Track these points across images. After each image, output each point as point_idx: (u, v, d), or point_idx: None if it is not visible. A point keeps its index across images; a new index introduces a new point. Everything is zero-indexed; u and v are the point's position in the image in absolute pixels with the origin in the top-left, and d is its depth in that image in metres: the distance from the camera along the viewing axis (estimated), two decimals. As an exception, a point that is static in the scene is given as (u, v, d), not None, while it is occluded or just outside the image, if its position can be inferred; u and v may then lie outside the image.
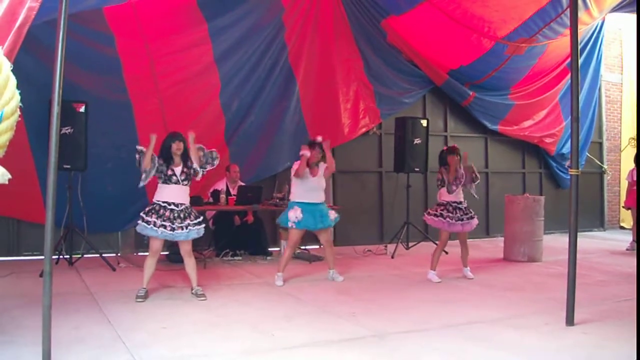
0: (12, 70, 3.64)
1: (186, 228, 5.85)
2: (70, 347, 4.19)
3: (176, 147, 5.95)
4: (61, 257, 7.67)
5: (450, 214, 7.16)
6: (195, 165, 6.02)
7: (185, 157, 6.02)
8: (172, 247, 7.71)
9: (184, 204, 5.97)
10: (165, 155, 5.96)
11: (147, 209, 5.91)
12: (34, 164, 7.79)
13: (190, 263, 6.10)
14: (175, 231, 5.81)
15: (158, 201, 5.91)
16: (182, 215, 5.88)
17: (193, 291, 6.08)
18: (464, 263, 7.50)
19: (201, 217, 6.11)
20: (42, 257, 3.82)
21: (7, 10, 4.19)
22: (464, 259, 7.50)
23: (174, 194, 5.92)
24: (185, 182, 5.99)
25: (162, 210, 5.84)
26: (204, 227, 6.09)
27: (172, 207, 5.88)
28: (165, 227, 5.78)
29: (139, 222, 5.87)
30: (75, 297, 5.91)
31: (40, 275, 5.88)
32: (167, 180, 5.92)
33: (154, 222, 5.78)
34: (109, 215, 8.48)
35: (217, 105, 9.11)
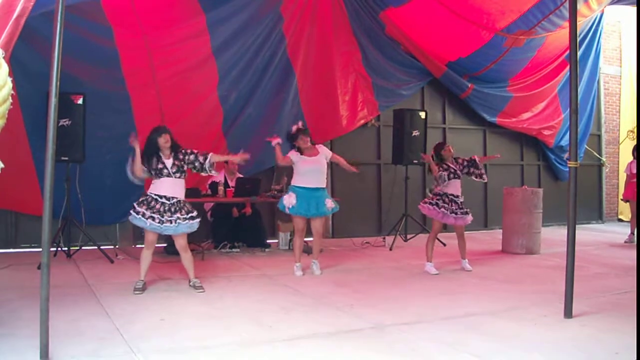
0: (9, 62, 3.62)
1: (175, 222, 5.81)
2: (68, 340, 4.19)
3: (164, 141, 5.88)
4: (59, 249, 7.66)
5: (446, 205, 7.16)
6: (192, 157, 5.97)
7: (176, 150, 5.95)
8: (169, 239, 7.71)
9: (176, 198, 5.91)
10: (152, 151, 5.90)
11: (139, 199, 5.90)
12: (32, 156, 7.79)
13: (186, 257, 6.07)
14: (164, 224, 5.78)
15: (151, 193, 5.88)
16: (172, 209, 5.84)
17: (191, 283, 6.07)
18: (462, 255, 7.50)
19: (194, 212, 6.04)
20: (40, 249, 3.82)
21: (4, 2, 4.18)
22: (462, 251, 7.49)
23: (165, 187, 5.87)
24: (178, 175, 5.91)
25: (153, 202, 5.82)
26: (200, 220, 6.06)
27: (164, 200, 5.84)
28: (153, 219, 5.76)
29: (131, 211, 5.85)
30: (73, 289, 5.91)
31: (38, 268, 5.86)
32: (159, 174, 5.86)
33: (143, 212, 5.77)
34: (106, 207, 8.48)
35: (215, 97, 9.10)
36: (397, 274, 7.22)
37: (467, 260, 7.50)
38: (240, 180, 8.52)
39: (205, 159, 5.99)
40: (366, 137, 10.81)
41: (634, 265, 7.11)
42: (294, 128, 6.92)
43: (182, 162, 5.96)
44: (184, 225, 5.87)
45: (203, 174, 6.13)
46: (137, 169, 5.83)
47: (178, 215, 5.84)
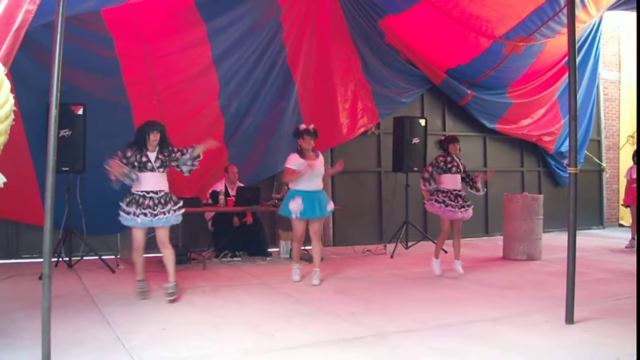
0: (10, 74, 3.64)
1: (167, 213, 5.81)
2: (69, 350, 4.19)
3: (153, 138, 5.87)
4: (60, 259, 7.67)
5: (452, 202, 7.22)
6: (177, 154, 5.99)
7: (162, 146, 5.95)
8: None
9: (163, 190, 5.91)
10: (139, 143, 5.90)
11: (127, 199, 5.84)
12: (33, 167, 7.81)
13: (168, 254, 5.93)
14: (156, 217, 5.76)
15: (137, 191, 5.84)
16: (162, 201, 5.83)
17: (166, 285, 5.88)
18: (456, 255, 7.50)
19: (181, 202, 6.04)
20: (41, 259, 3.82)
21: (4, 14, 4.18)
22: (456, 250, 7.50)
23: (151, 182, 5.85)
24: (162, 170, 5.91)
25: (141, 200, 5.79)
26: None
27: (152, 194, 5.82)
28: (145, 214, 5.74)
29: (120, 212, 5.82)
30: (74, 299, 5.91)
31: (40, 278, 5.88)
32: (142, 167, 5.83)
33: (134, 212, 5.75)
34: (107, 217, 8.35)
35: (216, 107, 9.12)
36: (398, 282, 7.22)
37: (460, 262, 7.50)
38: (241, 189, 8.53)
39: (193, 149, 6.02)
40: (366, 144, 10.82)
41: (635, 271, 7.11)
42: (303, 126, 6.92)
43: (167, 158, 5.96)
44: (174, 217, 5.88)
45: (184, 169, 6.08)
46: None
47: (169, 206, 5.85)
